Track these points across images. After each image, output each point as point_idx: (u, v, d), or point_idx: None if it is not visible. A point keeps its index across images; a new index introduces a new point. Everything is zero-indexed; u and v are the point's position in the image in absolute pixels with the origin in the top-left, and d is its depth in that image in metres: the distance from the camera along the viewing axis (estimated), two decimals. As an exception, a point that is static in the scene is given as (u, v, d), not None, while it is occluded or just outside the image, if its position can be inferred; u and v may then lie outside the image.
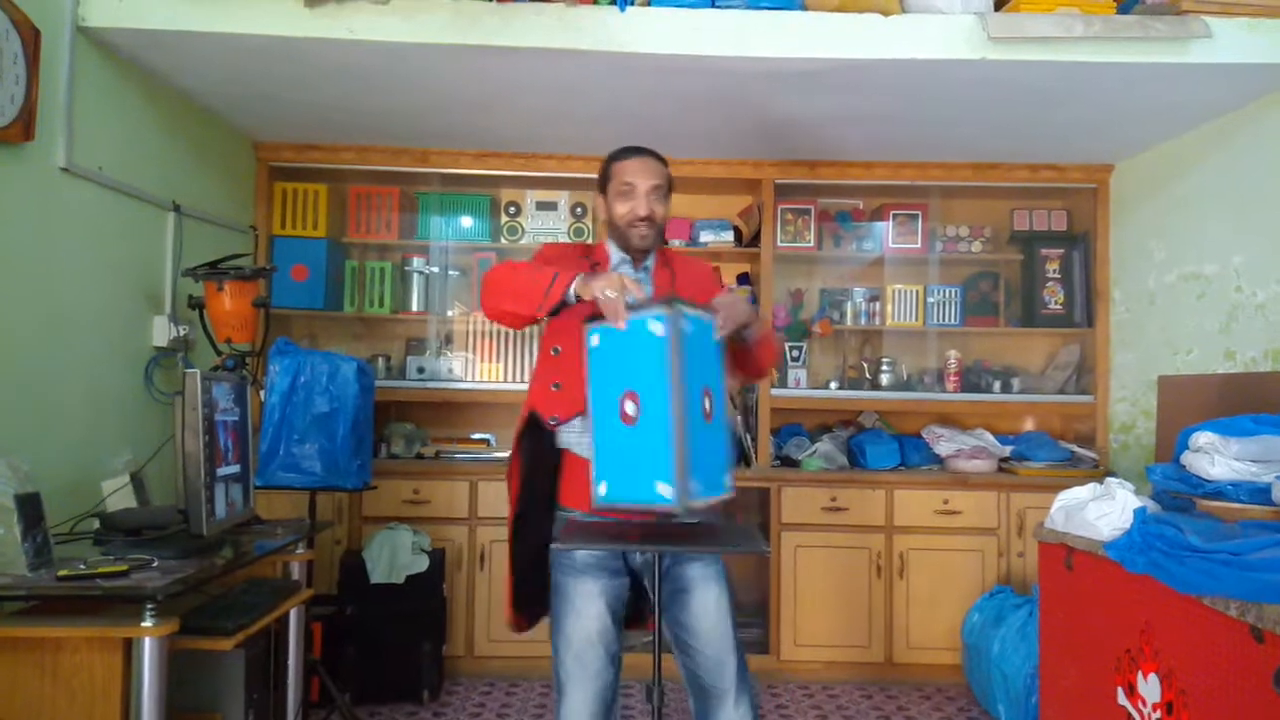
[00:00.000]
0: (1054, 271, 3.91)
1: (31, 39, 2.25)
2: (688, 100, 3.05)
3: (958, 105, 3.05)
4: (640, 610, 2.11)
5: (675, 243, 3.91)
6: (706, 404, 1.74)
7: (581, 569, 1.97)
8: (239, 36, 2.55)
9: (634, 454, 1.69)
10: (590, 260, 2.09)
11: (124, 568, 1.81)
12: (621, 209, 2.02)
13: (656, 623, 1.85)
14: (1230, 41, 2.59)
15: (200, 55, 2.71)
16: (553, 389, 1.98)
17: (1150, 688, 2.06)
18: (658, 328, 1.67)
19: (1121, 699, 2.17)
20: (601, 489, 1.73)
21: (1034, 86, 2.85)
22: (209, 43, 2.60)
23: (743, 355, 2.00)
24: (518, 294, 1.85)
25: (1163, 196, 3.46)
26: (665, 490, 1.63)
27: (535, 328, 2.42)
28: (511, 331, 3.87)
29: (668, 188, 2.07)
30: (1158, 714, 2.03)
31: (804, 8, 2.64)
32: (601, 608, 1.94)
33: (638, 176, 2.00)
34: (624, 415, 1.70)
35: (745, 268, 4.11)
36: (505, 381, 3.85)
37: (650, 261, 2.10)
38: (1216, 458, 2.21)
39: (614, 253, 2.09)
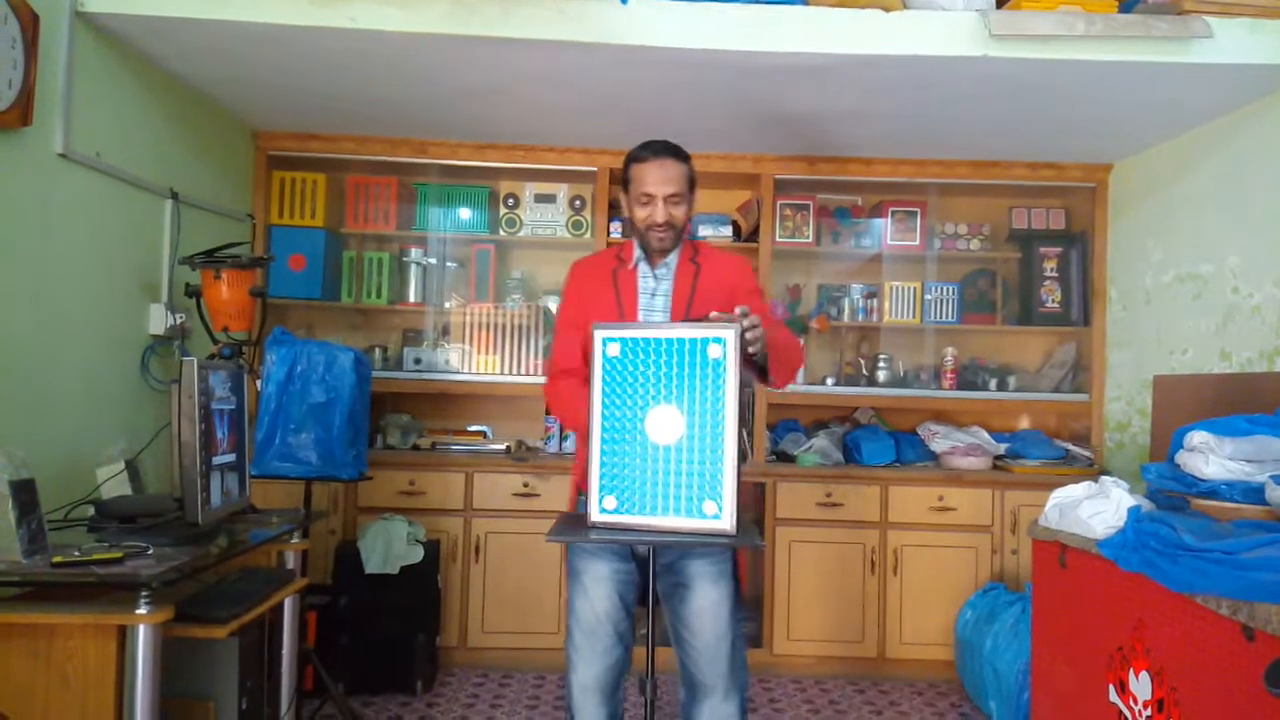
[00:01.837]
0: (1051, 270, 3.91)
1: (30, 23, 2.23)
2: (688, 94, 3.04)
3: (958, 102, 3.05)
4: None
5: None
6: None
7: (592, 551, 2.03)
8: (239, 24, 2.54)
9: (665, 472, 1.71)
10: (619, 258, 2.16)
11: (119, 555, 1.81)
12: (640, 214, 2.09)
13: (649, 617, 1.86)
14: (1231, 42, 2.59)
15: (200, 42, 2.70)
16: None
17: (1141, 685, 2.07)
18: (716, 350, 1.70)
19: (1113, 696, 2.18)
20: (608, 503, 1.74)
21: (1034, 84, 2.85)
22: (209, 30, 2.59)
23: (756, 370, 2.00)
24: (565, 419, 2.21)
25: (1161, 196, 3.46)
26: (712, 509, 1.67)
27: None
28: (508, 324, 3.87)
29: (689, 186, 2.10)
30: (1148, 711, 2.04)
31: (806, 2, 2.64)
32: (610, 589, 2.01)
33: (655, 185, 2.05)
34: (653, 432, 1.72)
35: (743, 263, 4.11)
36: (502, 373, 3.84)
37: (674, 259, 2.14)
38: (1211, 457, 2.22)
39: (636, 250, 2.15)
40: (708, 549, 2.00)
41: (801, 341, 2.15)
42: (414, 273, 3.92)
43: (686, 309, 2.07)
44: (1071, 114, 3.15)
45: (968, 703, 3.37)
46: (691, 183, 2.11)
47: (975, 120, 3.26)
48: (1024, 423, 4.11)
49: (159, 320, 2.88)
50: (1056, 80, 2.80)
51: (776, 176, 3.83)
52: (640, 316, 2.09)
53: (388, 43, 2.64)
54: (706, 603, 2.00)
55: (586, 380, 1.87)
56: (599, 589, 2.01)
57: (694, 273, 2.12)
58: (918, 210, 3.97)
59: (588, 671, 2.01)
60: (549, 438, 3.84)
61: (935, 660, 3.58)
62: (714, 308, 2.01)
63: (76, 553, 1.80)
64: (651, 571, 1.86)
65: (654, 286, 2.13)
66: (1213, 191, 3.16)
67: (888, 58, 2.65)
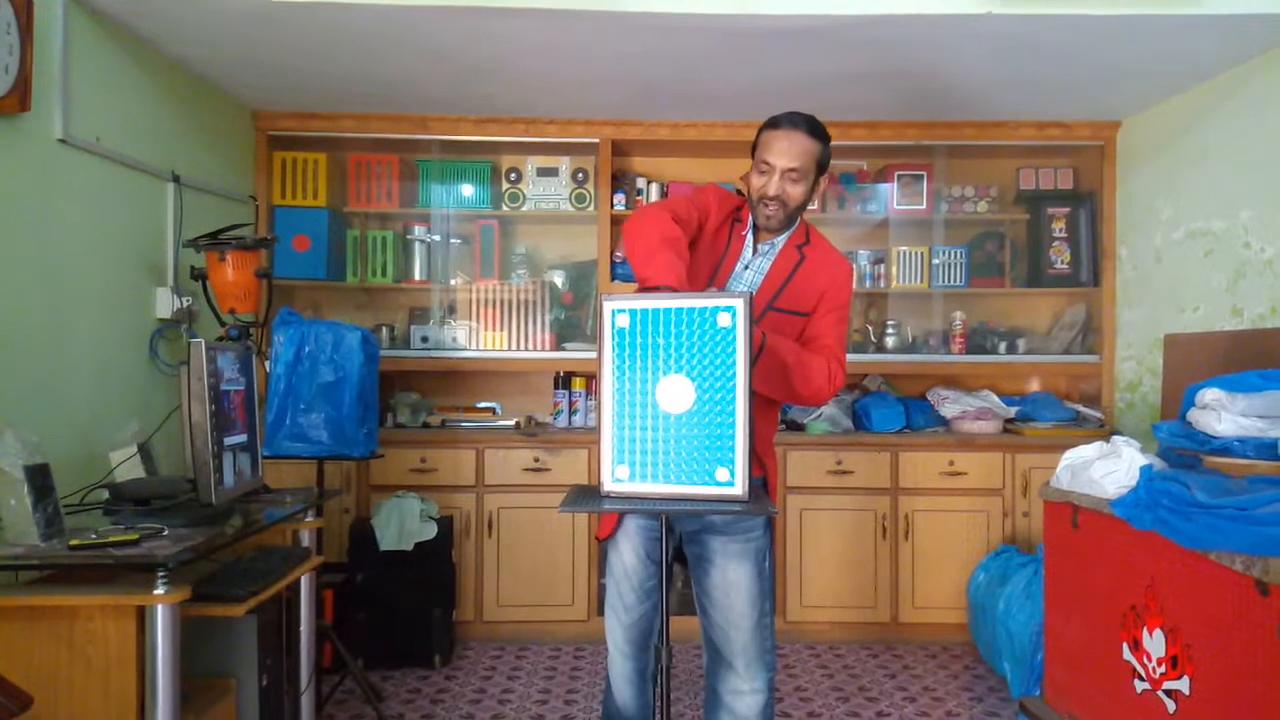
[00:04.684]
0: (1060, 231, 3.88)
1: (24, 8, 2.22)
2: (689, 61, 3.01)
3: (963, 62, 3.01)
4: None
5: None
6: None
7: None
8: (233, 1, 2.51)
9: (676, 440, 1.71)
10: (735, 220, 2.08)
11: (135, 536, 1.82)
12: (755, 182, 1.99)
13: (663, 585, 1.86)
14: (1241, -9, 2.54)
15: (195, 22, 2.68)
16: None
17: (1155, 642, 2.08)
18: (725, 319, 1.70)
19: (1126, 654, 2.19)
20: (621, 472, 1.75)
21: (1040, 41, 2.80)
22: (203, 9, 2.56)
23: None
24: (633, 251, 1.84)
25: (1170, 153, 3.42)
26: (725, 475, 1.69)
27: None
28: (514, 300, 3.86)
29: (816, 168, 1.97)
30: (1162, 668, 2.04)
31: (806, -37, 2.59)
32: (637, 544, 2.02)
33: (777, 156, 1.94)
34: (664, 401, 1.72)
35: (749, 232, 4.09)
36: (510, 349, 3.84)
37: (781, 240, 2.04)
38: (1223, 414, 2.21)
39: (751, 218, 2.05)
40: (730, 529, 1.98)
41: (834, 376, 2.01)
42: (418, 250, 3.91)
43: (773, 297, 1.99)
44: (1078, 71, 3.10)
45: (981, 664, 3.39)
46: (821, 166, 1.97)
47: (981, 80, 3.21)
48: (1034, 385, 4.10)
49: (165, 304, 2.88)
50: (1062, 36, 2.76)
51: (780, 143, 3.79)
52: (727, 284, 2.03)
53: (385, 17, 2.61)
54: (726, 580, 1.99)
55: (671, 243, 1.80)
56: (625, 543, 2.04)
57: (796, 262, 2.02)
58: (924, 174, 3.93)
59: (616, 625, 2.06)
60: (558, 412, 3.85)
61: (948, 623, 3.60)
62: (799, 306, 1.99)
63: (93, 535, 1.82)
64: (664, 533, 1.85)
65: (749, 260, 2.05)
66: (1223, 146, 3.11)
67: (890, 17, 2.61)
